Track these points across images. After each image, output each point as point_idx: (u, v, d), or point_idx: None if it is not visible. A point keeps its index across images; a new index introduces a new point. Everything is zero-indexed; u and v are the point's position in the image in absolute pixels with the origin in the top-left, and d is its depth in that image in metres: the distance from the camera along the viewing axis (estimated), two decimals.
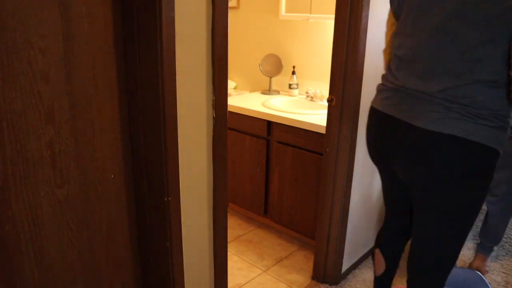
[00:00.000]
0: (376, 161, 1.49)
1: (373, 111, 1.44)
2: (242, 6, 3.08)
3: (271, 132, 2.42)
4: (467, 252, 2.46)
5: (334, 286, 2.14)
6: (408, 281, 1.50)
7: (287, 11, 2.74)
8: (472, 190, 1.22)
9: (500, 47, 1.08)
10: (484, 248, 2.29)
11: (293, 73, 2.78)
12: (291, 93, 2.80)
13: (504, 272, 2.28)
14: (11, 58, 0.88)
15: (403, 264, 1.65)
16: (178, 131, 1.13)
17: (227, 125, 1.30)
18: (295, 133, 2.28)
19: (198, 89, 1.18)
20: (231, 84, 3.17)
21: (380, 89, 1.43)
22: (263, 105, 2.53)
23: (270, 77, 2.91)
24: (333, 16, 1.80)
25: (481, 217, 2.45)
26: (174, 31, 1.04)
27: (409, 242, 1.54)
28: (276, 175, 2.45)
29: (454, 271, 2.14)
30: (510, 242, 2.59)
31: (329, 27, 2.57)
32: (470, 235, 2.65)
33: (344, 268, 2.18)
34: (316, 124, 2.16)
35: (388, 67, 1.41)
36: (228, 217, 1.74)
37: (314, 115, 2.31)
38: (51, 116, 0.98)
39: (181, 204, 1.21)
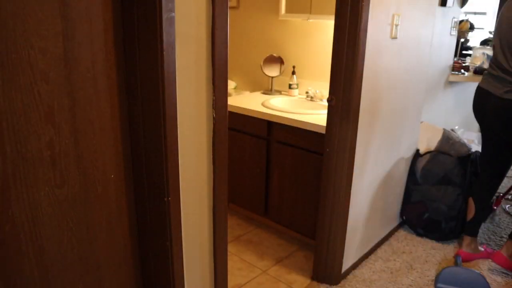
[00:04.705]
0: None
1: None
2: (242, 6, 3.08)
3: (271, 132, 2.42)
4: None
5: (334, 286, 2.14)
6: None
7: (287, 11, 2.74)
8: None
9: None
10: None
11: (293, 73, 2.78)
12: (291, 93, 2.80)
13: (504, 272, 2.28)
14: (11, 58, 0.88)
15: None
16: (178, 131, 1.13)
17: (227, 125, 1.30)
18: (295, 133, 2.28)
19: (198, 89, 1.18)
20: (231, 84, 3.17)
21: None
22: (263, 105, 2.53)
23: (272, 77, 2.91)
24: (333, 16, 1.80)
25: None
26: (174, 31, 1.04)
27: None
28: (276, 175, 2.45)
29: (454, 271, 2.15)
30: None
31: (329, 27, 2.57)
32: None
33: (344, 268, 2.19)
34: (316, 124, 2.16)
35: None
36: (228, 217, 1.74)
37: (314, 115, 2.31)
38: (51, 116, 0.98)
39: (181, 204, 1.21)
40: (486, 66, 3.10)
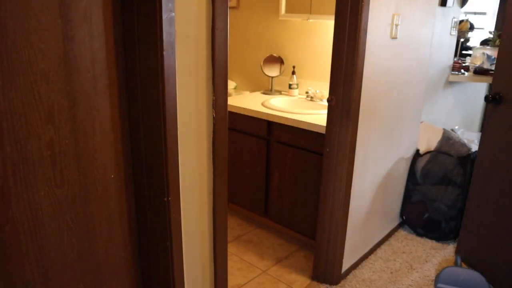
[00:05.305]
0: None
1: None
2: (242, 6, 3.08)
3: (271, 132, 2.42)
4: None
5: (334, 286, 2.14)
6: None
7: (287, 11, 2.74)
8: None
9: None
10: None
11: (293, 73, 2.78)
12: (291, 93, 2.80)
13: None
14: (11, 58, 0.88)
15: None
16: (178, 131, 1.13)
17: (227, 125, 1.30)
18: (295, 133, 2.28)
19: (198, 89, 1.18)
20: (231, 84, 3.17)
21: None
22: (263, 105, 2.53)
23: (272, 77, 2.91)
24: (333, 16, 1.80)
25: None
26: (174, 31, 1.04)
27: None
28: (276, 175, 2.45)
29: (454, 271, 2.15)
30: None
31: (329, 27, 2.57)
32: None
33: (344, 268, 2.19)
34: (316, 124, 2.16)
35: None
36: (228, 217, 1.74)
37: (314, 115, 2.31)
38: (51, 116, 0.98)
39: (181, 204, 1.21)
40: (486, 66, 3.11)
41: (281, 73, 2.88)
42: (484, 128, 2.23)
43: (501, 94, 2.05)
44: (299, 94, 2.82)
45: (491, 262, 2.17)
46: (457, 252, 2.42)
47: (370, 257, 2.40)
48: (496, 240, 2.13)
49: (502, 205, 2.09)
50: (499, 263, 2.11)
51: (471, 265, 2.29)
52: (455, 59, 3.17)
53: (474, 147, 2.65)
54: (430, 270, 2.28)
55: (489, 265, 2.17)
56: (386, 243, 2.55)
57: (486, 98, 2.10)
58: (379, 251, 2.46)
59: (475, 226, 2.29)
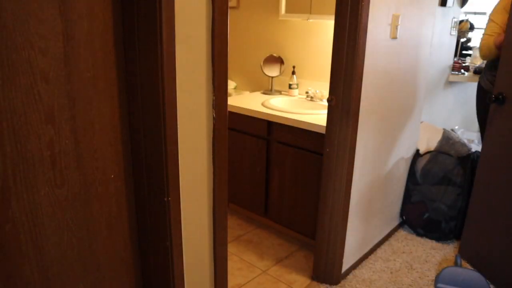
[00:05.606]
0: None
1: None
2: (242, 6, 3.08)
3: (271, 132, 2.42)
4: None
5: (334, 286, 2.14)
6: None
7: (287, 11, 2.74)
8: None
9: None
10: None
11: (293, 73, 2.78)
12: (291, 93, 2.80)
13: None
14: (11, 58, 0.88)
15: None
16: (178, 131, 1.13)
17: (227, 125, 1.30)
18: (295, 133, 2.28)
19: (198, 89, 1.18)
20: (231, 84, 3.17)
21: None
22: (263, 105, 2.53)
23: (272, 77, 2.91)
24: (333, 16, 1.80)
25: None
26: (174, 31, 1.04)
27: None
28: (276, 175, 2.45)
29: (454, 271, 2.15)
30: None
31: (329, 27, 2.57)
32: None
33: (344, 268, 2.18)
34: (316, 124, 2.16)
35: None
36: (228, 217, 1.74)
37: (314, 115, 2.31)
38: (51, 116, 0.98)
39: (181, 204, 1.21)
40: None
41: (281, 73, 2.88)
42: (487, 128, 2.22)
43: (504, 94, 2.05)
44: (299, 94, 2.82)
45: (494, 262, 2.16)
46: (460, 252, 2.42)
47: (370, 257, 2.40)
48: (499, 240, 2.13)
49: (505, 205, 2.09)
50: (502, 263, 2.11)
51: (474, 265, 2.29)
52: (455, 59, 3.17)
53: (474, 147, 2.65)
54: (430, 270, 2.28)
55: (492, 265, 2.17)
56: (386, 243, 2.55)
57: (489, 98, 2.10)
58: (379, 251, 2.46)
59: (478, 226, 2.28)
